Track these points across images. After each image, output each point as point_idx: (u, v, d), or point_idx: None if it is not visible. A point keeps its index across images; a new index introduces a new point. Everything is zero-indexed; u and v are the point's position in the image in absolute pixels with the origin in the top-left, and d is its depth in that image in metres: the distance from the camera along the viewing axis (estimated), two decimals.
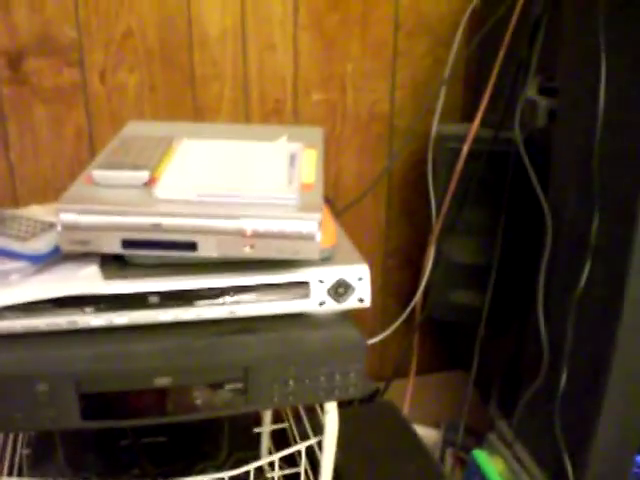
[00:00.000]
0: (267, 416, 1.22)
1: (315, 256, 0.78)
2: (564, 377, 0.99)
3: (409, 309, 1.42)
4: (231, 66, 1.35)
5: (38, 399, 0.79)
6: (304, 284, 0.86)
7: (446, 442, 1.34)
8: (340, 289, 0.87)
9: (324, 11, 1.36)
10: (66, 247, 0.78)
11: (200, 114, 1.37)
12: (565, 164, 0.98)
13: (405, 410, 1.45)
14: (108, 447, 0.98)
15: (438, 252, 1.31)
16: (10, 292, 0.79)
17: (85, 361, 0.80)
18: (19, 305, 0.79)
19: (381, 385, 1.48)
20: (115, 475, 0.90)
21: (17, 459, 0.99)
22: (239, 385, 0.83)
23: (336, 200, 1.48)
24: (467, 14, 1.35)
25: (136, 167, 0.81)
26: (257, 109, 1.39)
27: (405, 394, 1.46)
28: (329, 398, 0.87)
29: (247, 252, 0.77)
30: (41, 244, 0.81)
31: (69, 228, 0.77)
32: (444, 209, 1.26)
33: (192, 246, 0.77)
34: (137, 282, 0.82)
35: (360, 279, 0.87)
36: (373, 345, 1.58)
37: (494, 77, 1.20)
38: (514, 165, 1.12)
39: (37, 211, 0.92)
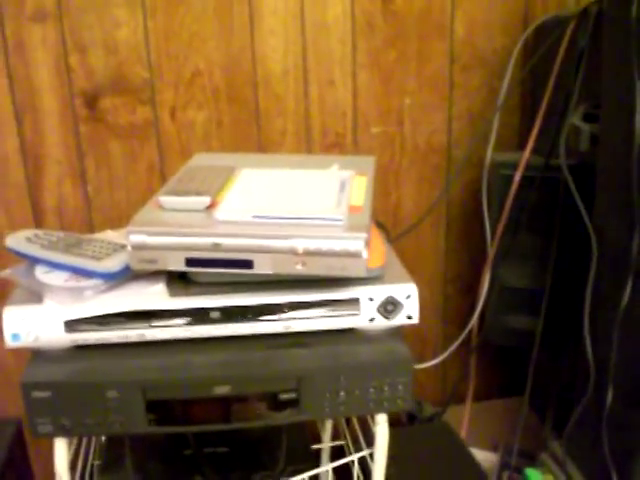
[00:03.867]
0: (326, 434, 1.27)
1: (362, 273, 0.83)
2: (610, 395, 1.01)
3: (465, 332, 1.46)
4: (293, 102, 1.43)
5: (108, 405, 0.86)
6: (355, 301, 0.91)
7: (503, 465, 1.36)
8: (389, 306, 0.92)
9: (381, 49, 1.43)
10: (135, 265, 0.86)
11: (264, 148, 1.44)
12: (607, 187, 1.02)
13: (463, 433, 1.48)
14: (172, 456, 1.04)
15: (493, 277, 1.35)
16: (84, 306, 0.87)
17: (151, 371, 0.87)
18: (93, 319, 0.87)
19: (441, 409, 1.52)
20: None
21: (88, 469, 1.06)
22: (293, 395, 0.89)
23: (396, 227, 1.53)
24: (519, 45, 1.40)
25: (199, 193, 0.89)
26: (319, 142, 1.46)
27: (463, 417, 1.49)
28: (378, 410, 0.92)
29: (299, 269, 0.83)
30: (113, 263, 0.89)
31: (138, 248, 0.84)
32: (498, 235, 1.30)
33: (249, 264, 0.84)
34: (199, 299, 0.89)
35: (408, 297, 0.92)
36: (433, 369, 1.62)
37: (544, 106, 1.24)
38: (564, 191, 1.16)
39: (111, 235, 1.00)
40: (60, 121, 1.36)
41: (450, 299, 1.62)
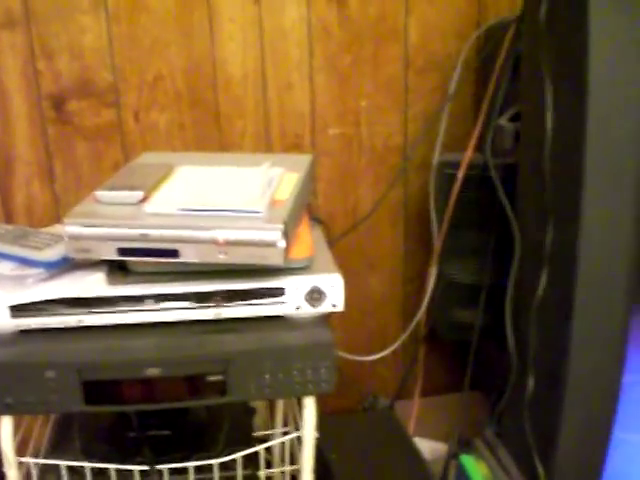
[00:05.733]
0: (278, 420, 1.33)
1: (280, 262, 0.89)
2: (531, 382, 1.07)
3: (412, 326, 1.52)
4: (253, 104, 1.49)
5: (47, 385, 0.92)
6: (282, 290, 0.97)
7: (451, 454, 1.41)
8: (315, 295, 0.98)
9: (337, 53, 1.49)
10: (72, 254, 0.92)
11: (226, 149, 1.51)
12: (526, 183, 1.08)
13: (412, 425, 1.54)
14: (117, 439, 1.10)
15: (439, 273, 1.40)
16: (27, 293, 0.93)
17: (87, 353, 0.93)
18: (36, 305, 0.93)
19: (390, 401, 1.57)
20: (122, 462, 1.02)
21: (41, 452, 1.13)
22: (220, 377, 0.95)
23: (356, 226, 1.59)
24: (466, 49, 1.46)
25: (132, 188, 0.95)
26: (278, 143, 1.52)
27: (412, 409, 1.55)
28: (303, 392, 0.98)
29: (222, 258, 0.90)
30: (52, 253, 0.95)
31: (73, 238, 0.91)
32: (443, 232, 1.36)
33: (175, 253, 0.90)
34: (135, 287, 0.95)
35: (333, 286, 0.98)
36: (390, 364, 1.68)
37: (485, 107, 1.30)
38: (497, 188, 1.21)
39: (57, 228, 1.06)
40: (29, 123, 1.42)
41: (410, 296, 1.68)
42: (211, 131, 1.49)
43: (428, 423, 1.57)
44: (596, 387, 1.03)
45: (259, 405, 1.46)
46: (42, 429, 1.19)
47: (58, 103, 1.42)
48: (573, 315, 0.97)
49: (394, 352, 1.63)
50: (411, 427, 1.55)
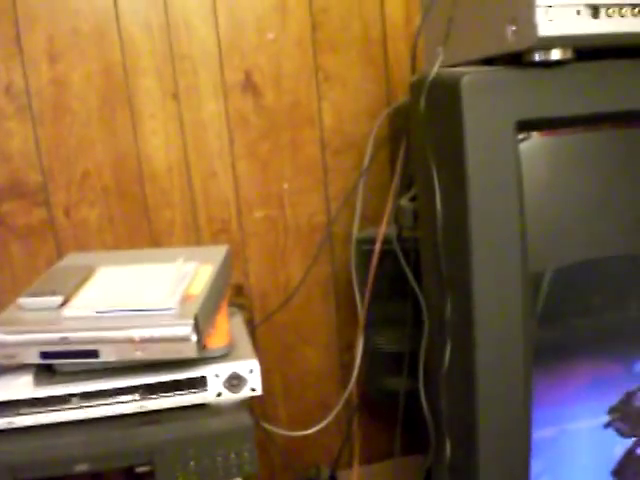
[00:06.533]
0: None
1: (194, 355, 0.95)
2: (448, 446, 1.13)
3: (345, 395, 1.57)
4: (179, 194, 1.56)
5: None
6: (202, 379, 1.03)
7: None
8: (234, 381, 1.04)
9: (257, 140, 1.57)
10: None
11: (156, 239, 1.56)
12: (426, 256, 1.15)
13: None
14: None
15: (366, 343, 1.47)
16: None
17: (19, 453, 0.97)
18: None
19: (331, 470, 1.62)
20: None
21: None
22: (147, 468, 0.99)
23: (287, 302, 1.65)
24: (375, 130, 1.55)
25: (53, 293, 1.01)
26: (206, 229, 1.59)
27: (352, 476, 1.60)
28: (228, 477, 1.03)
29: (139, 355, 0.95)
30: None
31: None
32: (365, 304, 1.43)
33: (95, 354, 0.96)
34: (61, 387, 1.00)
35: (251, 371, 1.04)
36: (333, 434, 1.73)
37: (394, 185, 1.38)
38: (409, 261, 1.29)
39: None
40: None
41: (346, 366, 1.73)
42: (141, 223, 1.55)
43: None
44: (507, 446, 1.09)
45: None
46: None
47: None
48: (476, 380, 1.04)
49: (336, 422, 1.68)
50: None
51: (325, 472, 1.58)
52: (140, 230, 1.55)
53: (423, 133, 1.08)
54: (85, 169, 1.50)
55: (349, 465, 1.69)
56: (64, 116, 1.47)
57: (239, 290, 1.64)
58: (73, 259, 1.21)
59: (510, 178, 0.99)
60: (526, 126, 1.00)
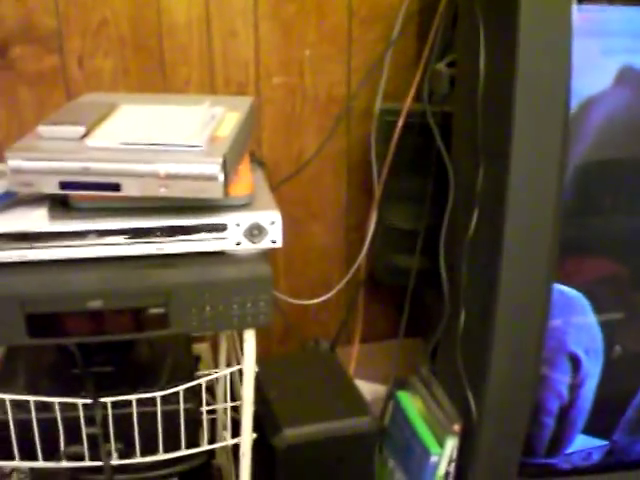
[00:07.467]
0: (222, 360, 1.36)
1: (219, 195, 0.92)
2: (462, 317, 1.11)
3: (352, 270, 1.56)
4: (197, 52, 1.50)
5: None
6: (223, 225, 1.00)
7: (389, 395, 1.46)
8: (254, 231, 1.01)
9: (282, 1, 1.50)
10: (15, 188, 0.93)
11: None
12: (460, 127, 1.12)
13: (352, 367, 1.58)
14: (61, 375, 1.12)
15: (379, 219, 1.44)
16: None
17: (30, 286, 0.95)
18: None
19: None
20: (65, 396, 1.05)
21: None
22: (161, 310, 0.97)
23: (299, 171, 1.61)
24: (406, 2, 1.48)
25: (75, 123, 0.96)
26: (222, 91, 1.54)
27: (352, 354, 1.60)
28: (242, 325, 1.01)
29: (163, 192, 0.92)
30: None
31: (15, 172, 0.92)
32: (383, 179, 1.39)
33: (117, 187, 0.92)
34: (78, 222, 0.97)
35: (272, 223, 1.01)
36: (334, 309, 1.72)
37: (425, 56, 1.33)
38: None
39: (1, 167, 1.07)
40: None
41: (353, 245, 1.71)
42: (156, 77, 1.49)
43: (368, 367, 1.62)
44: (524, 321, 1.08)
45: (203, 353, 1.49)
46: None
47: (1, 48, 1.41)
48: (502, 251, 1.02)
49: (336, 298, 1.67)
50: (351, 371, 1.59)
51: (324, 345, 1.57)
52: (154, 85, 1.49)
53: None
54: (102, 17, 1.44)
55: (348, 342, 1.68)
56: None
57: (251, 158, 1.59)
58: (92, 97, 1.16)
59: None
60: None
